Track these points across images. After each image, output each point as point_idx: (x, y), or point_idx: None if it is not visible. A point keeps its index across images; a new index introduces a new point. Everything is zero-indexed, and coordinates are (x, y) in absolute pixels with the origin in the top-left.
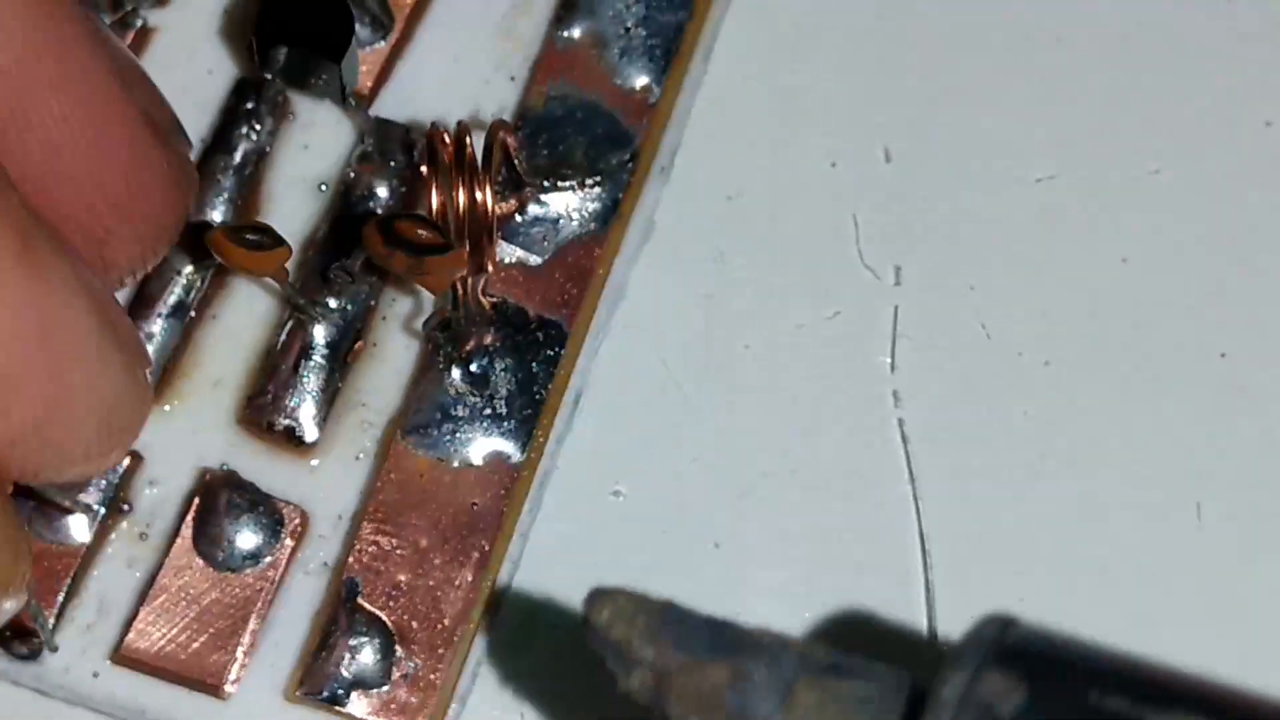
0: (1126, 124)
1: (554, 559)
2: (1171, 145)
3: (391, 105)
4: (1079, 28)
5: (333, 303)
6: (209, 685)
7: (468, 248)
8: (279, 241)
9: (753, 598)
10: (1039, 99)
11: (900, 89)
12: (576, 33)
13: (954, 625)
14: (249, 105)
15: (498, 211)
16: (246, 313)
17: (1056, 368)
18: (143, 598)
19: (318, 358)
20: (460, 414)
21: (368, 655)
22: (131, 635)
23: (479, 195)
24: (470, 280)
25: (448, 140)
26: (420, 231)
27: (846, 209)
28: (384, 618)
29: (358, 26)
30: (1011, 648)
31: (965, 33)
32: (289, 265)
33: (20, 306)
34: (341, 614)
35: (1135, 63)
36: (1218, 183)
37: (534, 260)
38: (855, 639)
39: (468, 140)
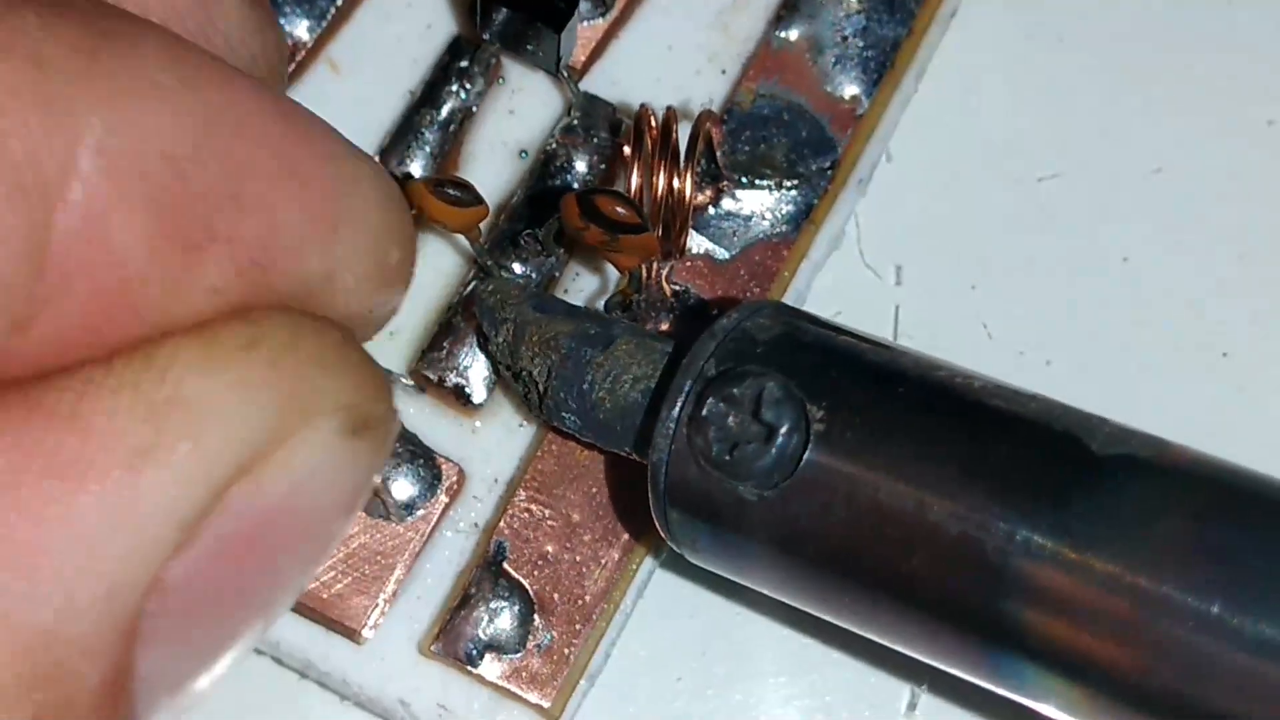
0: (1128, 123)
1: None
2: (1173, 144)
3: (600, 83)
4: (1080, 27)
5: (518, 269)
6: (347, 628)
7: (660, 232)
8: (478, 199)
9: None
10: (1040, 98)
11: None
12: (793, 35)
13: None
14: (462, 64)
15: (694, 201)
16: (430, 268)
17: (1058, 367)
18: None
19: None
20: None
21: (506, 620)
22: None
23: (678, 182)
24: (657, 265)
25: (654, 123)
26: (618, 209)
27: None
28: (526, 585)
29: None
30: (784, 311)
31: (967, 33)
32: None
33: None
34: (485, 576)
35: (1136, 62)
36: (1219, 182)
37: (721, 254)
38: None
39: (674, 126)
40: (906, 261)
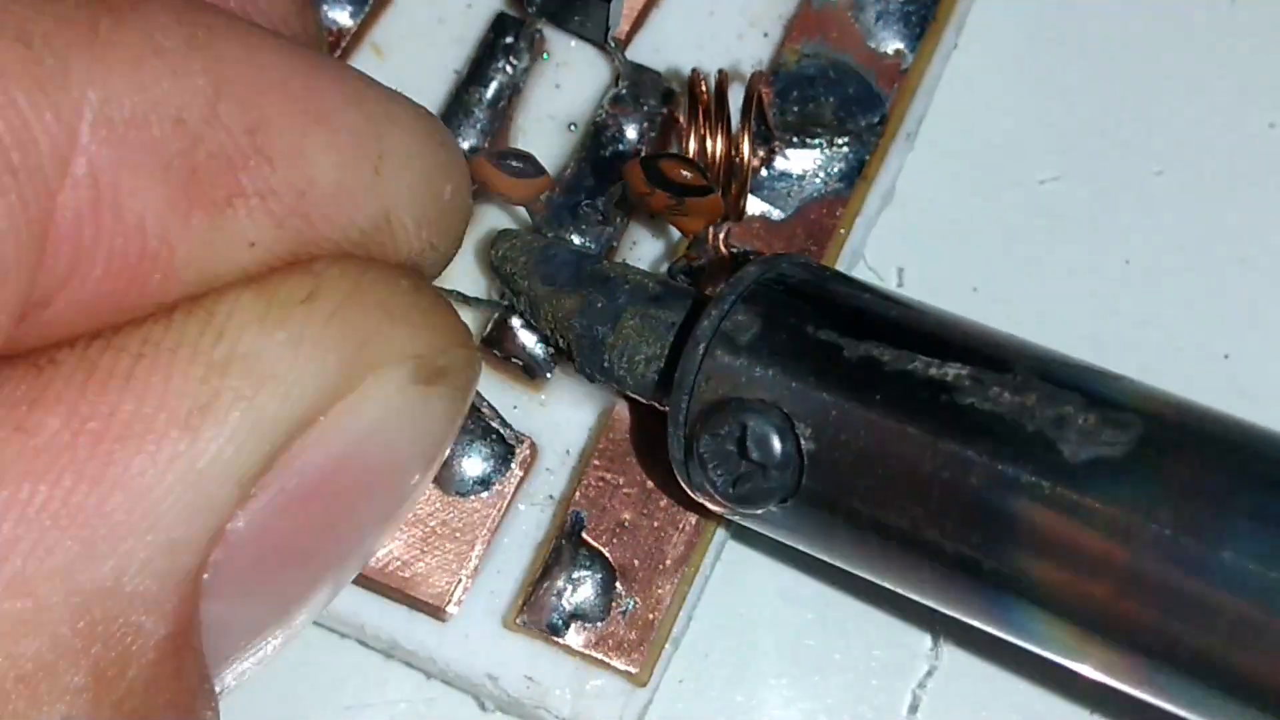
0: (1129, 125)
1: None
2: (1174, 147)
3: (644, 51)
4: (1081, 29)
5: (576, 240)
6: (431, 606)
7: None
8: (540, 170)
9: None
10: (1041, 101)
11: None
12: None
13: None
14: (507, 40)
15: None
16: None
17: None
18: None
19: None
20: None
21: (588, 589)
22: None
23: (734, 145)
24: (714, 228)
25: (706, 88)
26: (684, 172)
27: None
28: (606, 554)
29: None
30: (761, 288)
31: (968, 33)
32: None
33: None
34: (565, 547)
35: (1138, 64)
36: (1220, 184)
37: (776, 215)
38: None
39: (727, 89)
40: (908, 263)
